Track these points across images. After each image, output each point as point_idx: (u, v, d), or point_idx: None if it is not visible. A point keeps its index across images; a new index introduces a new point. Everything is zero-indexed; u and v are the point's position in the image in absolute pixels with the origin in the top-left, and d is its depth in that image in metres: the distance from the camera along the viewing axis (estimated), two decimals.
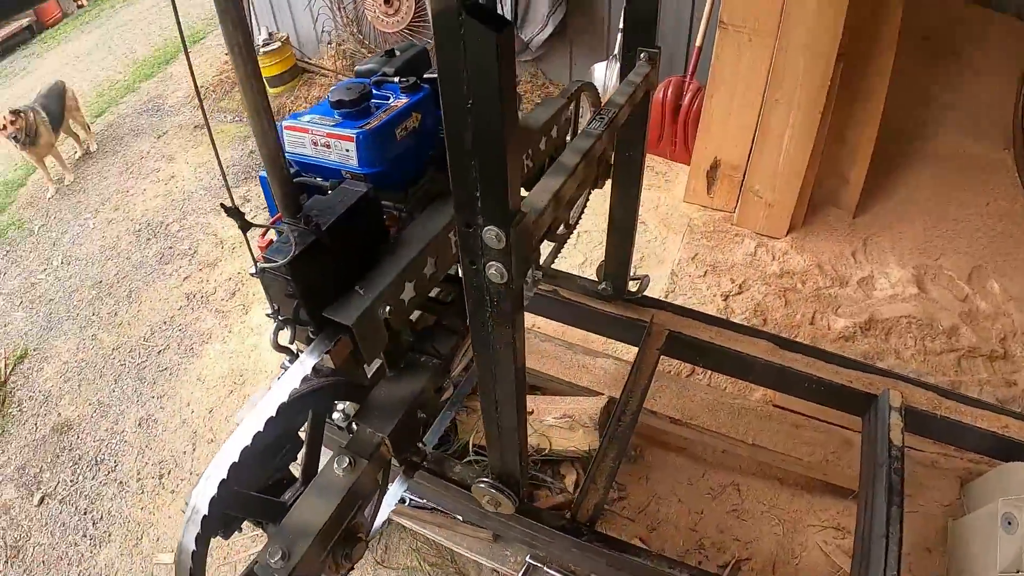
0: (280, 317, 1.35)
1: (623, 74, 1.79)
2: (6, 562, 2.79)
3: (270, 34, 4.95)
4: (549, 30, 3.98)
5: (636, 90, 1.61)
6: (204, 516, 1.10)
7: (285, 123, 1.49)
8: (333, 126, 1.44)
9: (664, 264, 3.10)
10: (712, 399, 2.46)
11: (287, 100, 5.03)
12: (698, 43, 3.36)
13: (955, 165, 3.37)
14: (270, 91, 5.06)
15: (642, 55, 1.76)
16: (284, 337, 1.35)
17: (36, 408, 3.35)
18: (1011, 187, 3.31)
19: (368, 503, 1.39)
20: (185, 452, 2.96)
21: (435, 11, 0.82)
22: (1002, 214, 3.22)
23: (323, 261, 1.25)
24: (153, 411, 3.16)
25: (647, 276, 2.32)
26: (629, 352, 2.56)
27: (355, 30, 4.92)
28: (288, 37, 5.07)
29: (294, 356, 1.41)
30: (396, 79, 1.58)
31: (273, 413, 1.18)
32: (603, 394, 2.36)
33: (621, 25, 3.43)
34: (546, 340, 2.57)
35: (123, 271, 3.97)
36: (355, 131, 1.40)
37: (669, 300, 2.96)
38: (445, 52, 0.85)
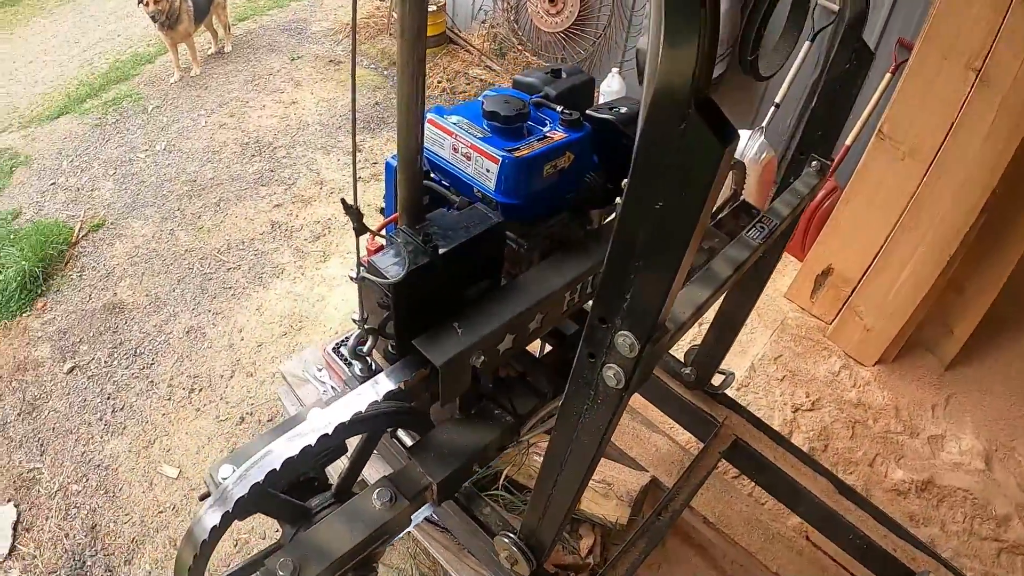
0: (366, 325, 1.28)
1: (787, 177, 1.66)
2: (19, 415, 2.83)
3: None
4: None
5: (801, 202, 1.49)
6: (227, 512, 1.02)
7: (429, 116, 1.39)
8: (481, 139, 1.32)
9: (746, 356, 2.94)
10: (750, 512, 2.32)
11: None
12: (848, 142, 3.18)
13: None
14: None
15: (814, 163, 1.63)
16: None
17: (95, 280, 3.39)
18: None
19: (394, 537, 1.31)
20: (222, 376, 2.94)
21: (657, 90, 0.66)
22: None
23: (430, 285, 1.16)
24: (204, 324, 3.15)
25: (733, 374, 2.17)
26: (683, 434, 2.44)
27: (512, 18, 4.81)
28: (445, 4, 5.02)
29: (367, 364, 1.34)
30: (558, 107, 1.47)
31: (329, 432, 1.10)
32: (648, 472, 2.24)
33: (778, 100, 3.28)
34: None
35: (219, 178, 3.98)
36: (502, 154, 1.28)
37: (742, 394, 2.82)
38: (651, 141, 0.70)
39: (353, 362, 1.33)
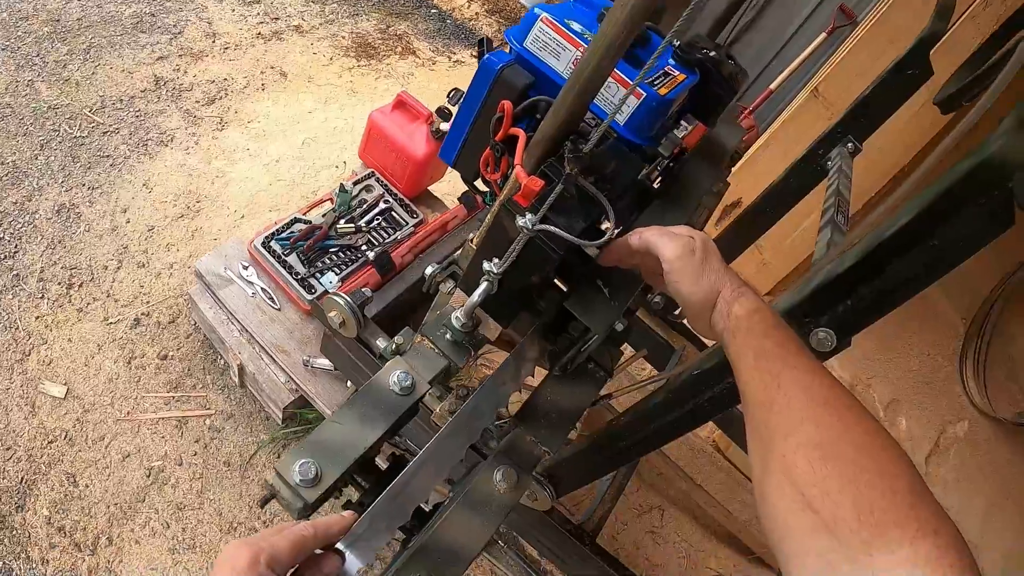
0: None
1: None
2: None
3: None
4: None
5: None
6: None
7: (543, 15, 1.10)
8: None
9: None
10: None
11: None
12: (772, 87, 3.26)
13: (927, 303, 3.51)
14: None
15: (849, 144, 1.66)
16: None
17: None
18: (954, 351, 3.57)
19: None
20: (107, 267, 2.40)
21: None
22: (937, 368, 3.48)
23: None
24: (79, 201, 2.52)
25: None
26: None
27: None
28: None
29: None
30: (673, 39, 1.27)
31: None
32: None
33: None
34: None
35: (89, 19, 3.09)
36: (647, 89, 1.09)
37: None
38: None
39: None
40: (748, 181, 3.16)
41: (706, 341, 2.26)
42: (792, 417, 0.60)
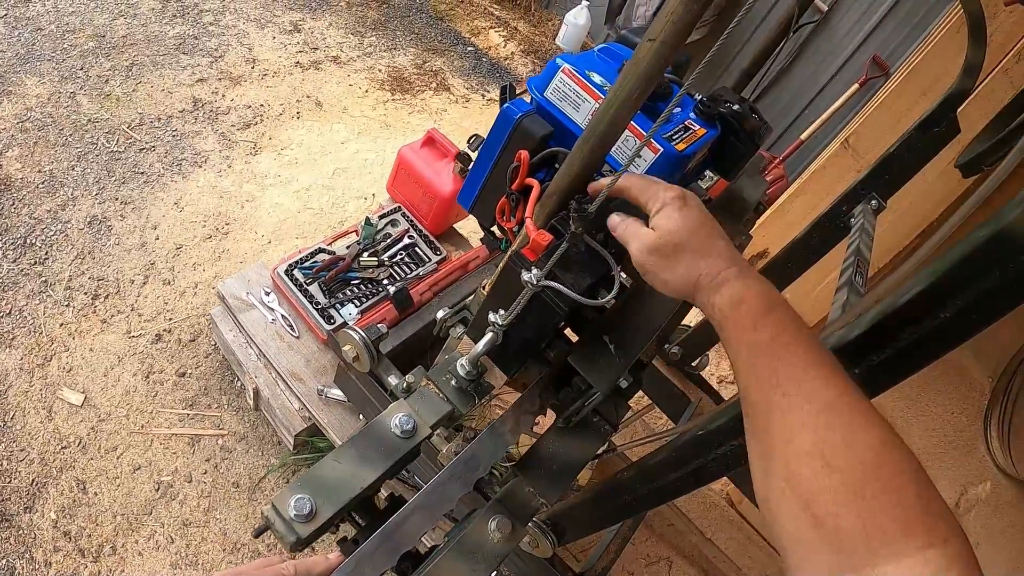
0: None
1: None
2: None
3: None
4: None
5: None
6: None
7: (565, 66, 1.11)
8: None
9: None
10: None
11: None
12: (803, 137, 3.28)
13: (954, 363, 3.42)
14: None
15: (872, 202, 1.65)
16: None
17: None
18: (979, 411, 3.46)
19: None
20: (133, 281, 2.47)
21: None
22: (962, 428, 3.35)
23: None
24: (111, 215, 2.62)
25: (708, 356, 2.22)
26: None
27: None
28: None
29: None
30: (696, 93, 1.29)
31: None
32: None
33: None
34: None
35: (133, 37, 3.23)
36: (664, 143, 1.11)
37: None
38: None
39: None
40: (777, 231, 3.15)
41: (723, 395, 2.24)
42: (792, 422, 0.57)
